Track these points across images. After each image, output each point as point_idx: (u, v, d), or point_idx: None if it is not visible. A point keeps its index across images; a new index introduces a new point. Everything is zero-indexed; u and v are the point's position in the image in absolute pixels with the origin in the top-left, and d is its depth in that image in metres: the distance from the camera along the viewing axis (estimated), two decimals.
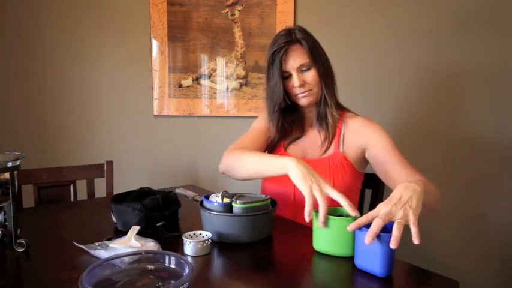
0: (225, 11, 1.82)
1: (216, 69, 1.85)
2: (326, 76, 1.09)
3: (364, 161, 1.15)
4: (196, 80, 1.86)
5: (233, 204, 0.87)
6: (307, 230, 1.00)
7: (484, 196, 1.70)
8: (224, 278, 0.74)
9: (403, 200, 0.76)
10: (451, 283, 0.69)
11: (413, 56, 1.71)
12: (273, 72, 1.10)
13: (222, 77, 1.85)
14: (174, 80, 1.86)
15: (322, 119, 1.12)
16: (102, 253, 0.79)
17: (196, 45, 1.84)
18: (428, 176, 1.72)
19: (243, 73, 1.84)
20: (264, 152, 1.21)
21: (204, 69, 1.85)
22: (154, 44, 1.84)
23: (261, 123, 1.22)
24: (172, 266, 0.67)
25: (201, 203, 0.94)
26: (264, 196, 0.92)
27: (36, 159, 1.68)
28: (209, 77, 1.86)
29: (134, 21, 1.84)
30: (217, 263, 0.81)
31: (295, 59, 1.07)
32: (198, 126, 1.89)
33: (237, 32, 1.82)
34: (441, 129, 1.71)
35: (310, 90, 1.09)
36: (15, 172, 0.85)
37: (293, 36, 1.07)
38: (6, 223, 0.86)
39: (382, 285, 0.68)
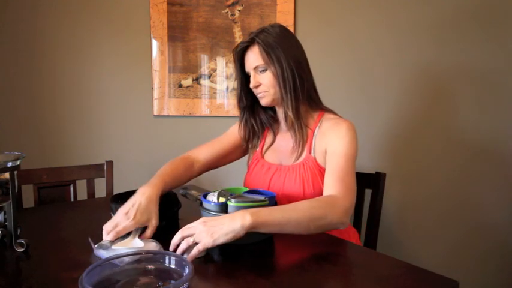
0: (225, 11, 1.82)
1: (216, 69, 1.85)
2: (284, 78, 1.05)
3: None
4: (196, 80, 1.86)
5: (228, 203, 0.87)
6: None
7: (483, 197, 1.70)
8: (224, 278, 0.74)
9: (215, 225, 0.79)
10: (451, 283, 0.69)
11: (412, 56, 1.71)
12: (235, 70, 1.14)
13: (222, 77, 1.85)
14: (174, 80, 1.86)
15: (287, 121, 1.11)
16: (103, 254, 0.79)
17: (196, 45, 1.84)
18: (427, 176, 1.72)
19: None
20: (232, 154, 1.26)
21: (204, 69, 1.85)
22: (154, 44, 1.84)
23: (233, 128, 1.27)
24: (173, 266, 0.67)
25: (201, 203, 0.93)
26: (263, 197, 0.91)
27: (36, 159, 1.68)
28: (209, 77, 1.86)
29: (134, 21, 1.84)
30: (217, 263, 0.81)
31: (252, 60, 1.08)
32: (198, 126, 1.89)
33: (237, 32, 1.82)
34: (439, 129, 1.71)
35: (265, 91, 1.08)
36: (15, 172, 0.85)
37: (254, 37, 1.07)
38: (6, 223, 0.86)
39: (382, 285, 0.68)
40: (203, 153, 1.21)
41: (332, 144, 1.04)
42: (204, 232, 0.77)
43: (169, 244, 0.87)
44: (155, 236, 0.90)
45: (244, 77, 1.14)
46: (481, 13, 1.64)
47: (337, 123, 1.08)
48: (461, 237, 1.73)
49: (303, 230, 0.86)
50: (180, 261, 0.66)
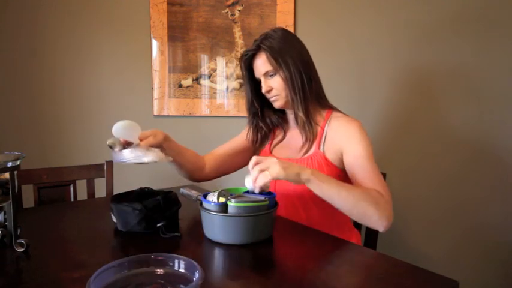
0: (225, 11, 1.82)
1: (216, 69, 1.85)
2: (293, 81, 1.09)
3: None
4: (196, 80, 1.86)
5: (228, 203, 0.87)
6: (308, 229, 1.00)
7: (483, 196, 1.70)
8: (224, 278, 0.74)
9: (287, 164, 0.89)
10: (451, 283, 0.69)
11: (412, 56, 1.71)
12: (243, 77, 1.19)
13: (222, 77, 1.85)
14: (174, 80, 1.86)
15: (297, 121, 1.15)
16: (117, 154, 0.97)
17: (196, 45, 1.84)
18: (427, 176, 1.72)
19: None
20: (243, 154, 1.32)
21: (204, 69, 1.85)
22: (154, 44, 1.84)
23: (244, 131, 1.32)
24: (182, 270, 0.65)
25: (201, 203, 0.93)
26: (263, 197, 0.91)
27: (36, 159, 1.68)
28: (209, 77, 1.86)
29: (134, 21, 1.84)
30: (218, 263, 0.81)
31: (261, 67, 1.12)
32: (198, 126, 1.89)
33: (237, 32, 1.82)
34: (439, 129, 1.71)
35: (278, 95, 1.13)
36: (15, 172, 0.84)
37: (260, 44, 1.11)
38: (6, 223, 0.86)
39: (382, 285, 0.68)
40: (213, 150, 1.30)
41: (351, 148, 1.07)
42: (277, 165, 0.87)
43: (169, 245, 0.88)
44: (154, 236, 0.90)
45: (253, 83, 1.18)
46: (478, 13, 1.64)
47: (348, 122, 1.11)
48: (462, 237, 1.73)
49: (346, 209, 0.94)
50: (190, 266, 0.65)
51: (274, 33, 1.11)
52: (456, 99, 1.69)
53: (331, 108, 1.19)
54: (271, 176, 0.86)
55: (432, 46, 1.69)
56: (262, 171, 0.87)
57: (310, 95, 1.12)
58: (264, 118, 1.24)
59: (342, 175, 1.11)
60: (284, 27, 1.81)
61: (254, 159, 0.89)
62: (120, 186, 1.60)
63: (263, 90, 1.13)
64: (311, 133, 1.12)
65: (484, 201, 1.70)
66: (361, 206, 0.93)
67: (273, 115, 1.24)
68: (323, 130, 1.13)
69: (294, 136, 1.20)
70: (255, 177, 0.88)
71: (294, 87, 1.09)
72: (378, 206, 0.94)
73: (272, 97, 1.14)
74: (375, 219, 0.94)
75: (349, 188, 0.95)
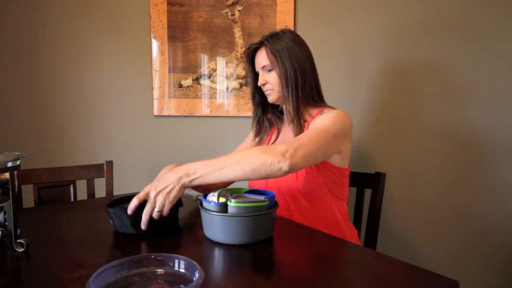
0: (225, 11, 1.82)
1: (216, 69, 1.85)
2: (287, 78, 1.14)
3: (336, 152, 1.15)
4: (196, 80, 1.86)
5: (228, 203, 0.87)
6: (308, 229, 1.00)
7: (483, 196, 1.70)
8: (224, 278, 0.74)
9: (164, 186, 0.91)
10: (451, 283, 0.69)
11: (412, 56, 1.71)
12: (248, 70, 1.26)
13: (222, 77, 1.85)
14: (174, 80, 1.86)
15: (287, 117, 1.20)
16: None
17: (196, 45, 1.84)
18: (427, 176, 1.72)
19: (243, 73, 1.84)
20: None
21: (204, 69, 1.85)
22: (154, 44, 1.84)
23: (250, 135, 1.38)
24: (182, 270, 0.65)
25: (201, 203, 0.93)
26: (263, 198, 0.92)
27: (36, 159, 1.68)
28: (209, 77, 1.86)
29: (134, 21, 1.84)
30: (218, 263, 0.81)
31: (260, 61, 1.19)
32: (198, 126, 1.89)
33: (237, 32, 1.82)
34: (440, 129, 1.71)
35: (272, 89, 1.19)
36: (15, 172, 0.84)
37: (263, 41, 1.18)
38: (6, 223, 0.86)
39: (382, 285, 0.68)
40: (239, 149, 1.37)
41: (316, 122, 1.11)
42: (161, 198, 0.90)
43: (168, 244, 0.88)
44: (154, 236, 0.90)
45: (255, 76, 1.25)
46: (482, 13, 1.64)
47: (331, 110, 1.16)
48: (461, 237, 1.73)
49: (241, 174, 0.92)
50: (190, 266, 0.65)
51: (281, 33, 1.17)
52: (457, 100, 1.69)
53: (323, 107, 1.22)
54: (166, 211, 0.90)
55: (432, 46, 1.69)
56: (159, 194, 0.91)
57: (302, 95, 1.17)
58: (266, 112, 1.30)
59: (332, 169, 1.14)
60: (284, 27, 1.81)
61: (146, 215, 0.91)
62: (120, 186, 1.60)
63: (259, 83, 1.20)
64: (299, 130, 1.17)
65: (484, 201, 1.70)
66: (251, 161, 0.92)
67: (272, 112, 1.30)
68: (309, 124, 1.17)
69: (288, 133, 1.24)
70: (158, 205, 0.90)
71: (287, 84, 1.15)
72: (268, 152, 0.92)
73: (267, 90, 1.20)
74: (271, 162, 0.91)
75: (232, 156, 0.95)
